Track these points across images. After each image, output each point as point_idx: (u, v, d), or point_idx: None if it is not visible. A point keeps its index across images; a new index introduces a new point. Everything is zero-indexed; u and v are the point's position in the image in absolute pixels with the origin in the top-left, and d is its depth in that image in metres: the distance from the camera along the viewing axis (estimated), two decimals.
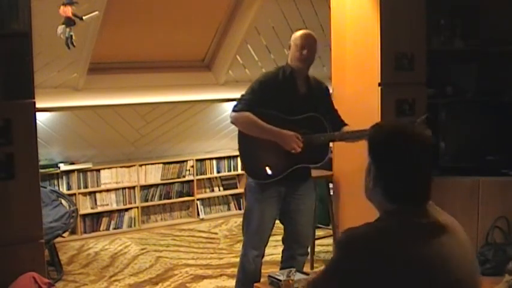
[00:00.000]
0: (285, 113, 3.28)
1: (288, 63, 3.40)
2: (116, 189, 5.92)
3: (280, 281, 2.68)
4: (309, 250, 4.11)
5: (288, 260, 3.45)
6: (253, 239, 3.39)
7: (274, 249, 3.99)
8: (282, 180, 3.29)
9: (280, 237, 3.58)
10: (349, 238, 1.54)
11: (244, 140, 3.34)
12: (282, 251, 3.53)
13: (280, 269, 3.38)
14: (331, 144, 3.55)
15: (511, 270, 3.50)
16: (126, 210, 5.97)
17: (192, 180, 6.30)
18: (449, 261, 1.46)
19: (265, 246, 3.43)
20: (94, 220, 5.81)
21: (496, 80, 4.76)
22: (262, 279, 3.47)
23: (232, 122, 3.32)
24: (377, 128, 1.65)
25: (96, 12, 3.84)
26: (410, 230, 1.49)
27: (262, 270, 3.62)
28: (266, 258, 3.59)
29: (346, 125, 3.49)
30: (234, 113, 3.28)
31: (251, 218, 3.38)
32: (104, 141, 5.90)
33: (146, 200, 6.09)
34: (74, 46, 3.60)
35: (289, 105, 3.30)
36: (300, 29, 5.54)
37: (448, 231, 1.52)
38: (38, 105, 3.25)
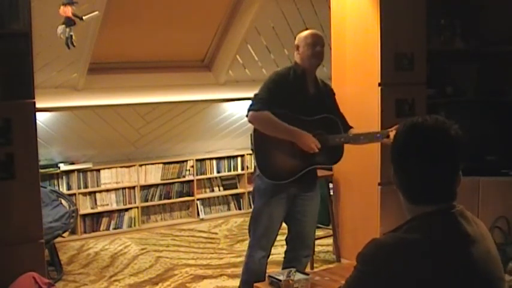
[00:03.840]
0: (297, 113, 3.27)
1: (296, 63, 3.39)
2: (116, 189, 5.91)
3: (280, 281, 2.68)
4: (313, 247, 4.09)
5: (292, 261, 3.42)
6: (262, 240, 3.37)
7: (274, 249, 3.97)
8: (293, 181, 3.28)
9: (282, 237, 3.57)
10: (375, 251, 1.43)
11: (259, 139, 3.29)
12: (285, 251, 3.51)
13: (283, 269, 3.36)
14: None
15: (511, 270, 3.50)
16: (126, 210, 5.96)
17: (192, 180, 6.29)
18: (477, 272, 1.41)
19: (272, 246, 3.43)
20: (94, 220, 5.81)
21: (496, 80, 4.77)
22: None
23: (250, 121, 3.26)
24: (399, 125, 1.54)
25: (96, 12, 3.85)
26: (439, 243, 1.41)
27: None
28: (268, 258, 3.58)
29: (351, 127, 3.48)
30: (252, 112, 3.23)
31: (260, 220, 3.36)
32: (104, 141, 5.90)
33: (146, 200, 6.08)
34: (74, 46, 3.61)
35: (300, 104, 3.29)
36: (299, 29, 5.56)
37: (477, 241, 1.44)
38: (38, 105, 3.25)
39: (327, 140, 3.26)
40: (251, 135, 3.34)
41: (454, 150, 1.47)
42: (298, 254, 3.45)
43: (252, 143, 3.36)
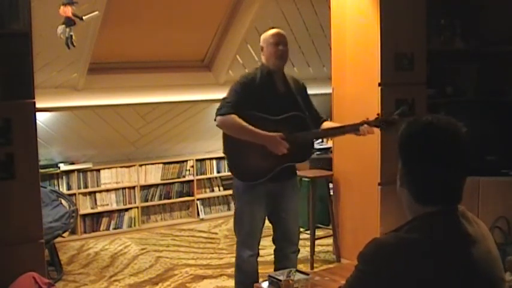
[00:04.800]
0: (267, 113, 3.29)
1: (263, 64, 3.40)
2: (116, 189, 5.92)
3: (280, 281, 2.68)
4: (308, 249, 4.10)
5: (282, 260, 3.47)
6: (247, 240, 3.41)
7: (272, 250, 3.99)
8: (269, 180, 3.31)
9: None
10: (376, 251, 1.43)
11: (229, 142, 3.35)
12: (274, 251, 3.55)
13: (275, 269, 3.41)
14: (330, 144, 3.57)
15: (510, 265, 3.50)
16: (126, 210, 5.96)
17: (192, 180, 6.29)
18: (477, 272, 1.41)
19: (259, 244, 3.46)
20: (94, 220, 5.81)
21: (496, 80, 4.77)
22: (262, 279, 3.47)
23: (218, 126, 3.31)
24: (406, 123, 1.51)
25: (96, 12, 3.85)
26: (440, 243, 1.40)
27: (262, 271, 3.62)
28: (266, 258, 3.60)
29: (325, 120, 3.51)
30: (220, 117, 3.27)
31: (243, 220, 3.41)
32: (104, 141, 5.90)
33: (146, 200, 6.08)
34: (74, 46, 3.61)
35: (270, 105, 3.31)
36: (299, 29, 5.57)
37: (478, 241, 1.44)
38: (38, 105, 3.25)
39: (296, 137, 3.28)
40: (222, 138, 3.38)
41: (466, 153, 1.46)
42: (286, 251, 3.48)
43: (223, 147, 3.41)
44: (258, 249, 3.46)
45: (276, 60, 3.34)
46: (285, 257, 3.47)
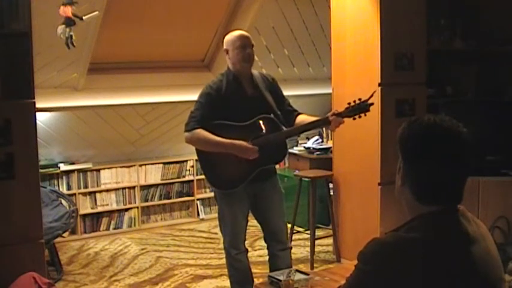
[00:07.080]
0: (237, 119, 3.27)
1: (229, 68, 3.38)
2: (116, 189, 5.91)
3: (280, 281, 2.68)
4: (308, 249, 4.09)
5: (272, 258, 3.52)
6: (231, 239, 3.46)
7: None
8: (248, 183, 3.33)
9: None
10: (376, 250, 1.44)
11: (202, 155, 3.36)
12: (267, 249, 3.59)
13: (269, 268, 3.47)
14: (330, 144, 3.56)
15: (511, 270, 3.50)
16: (126, 210, 5.96)
17: (192, 180, 6.29)
18: (477, 272, 1.41)
19: (244, 242, 3.50)
20: (94, 220, 5.81)
21: (496, 80, 4.77)
22: (262, 280, 3.48)
23: (186, 142, 3.32)
24: (407, 122, 1.51)
25: (96, 12, 3.86)
26: (440, 242, 1.41)
27: (261, 270, 3.63)
28: (265, 258, 3.59)
29: (300, 113, 3.48)
30: (187, 133, 3.27)
31: (225, 221, 3.46)
32: (104, 141, 5.90)
33: (146, 200, 6.08)
34: (74, 46, 3.61)
35: (240, 110, 3.29)
36: (299, 29, 5.56)
37: (477, 240, 1.45)
38: (38, 105, 3.25)
39: (267, 139, 3.27)
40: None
41: (467, 153, 1.48)
42: (273, 249, 3.51)
43: (198, 159, 3.42)
44: (245, 246, 3.50)
45: (244, 63, 3.32)
46: (273, 255, 3.51)
